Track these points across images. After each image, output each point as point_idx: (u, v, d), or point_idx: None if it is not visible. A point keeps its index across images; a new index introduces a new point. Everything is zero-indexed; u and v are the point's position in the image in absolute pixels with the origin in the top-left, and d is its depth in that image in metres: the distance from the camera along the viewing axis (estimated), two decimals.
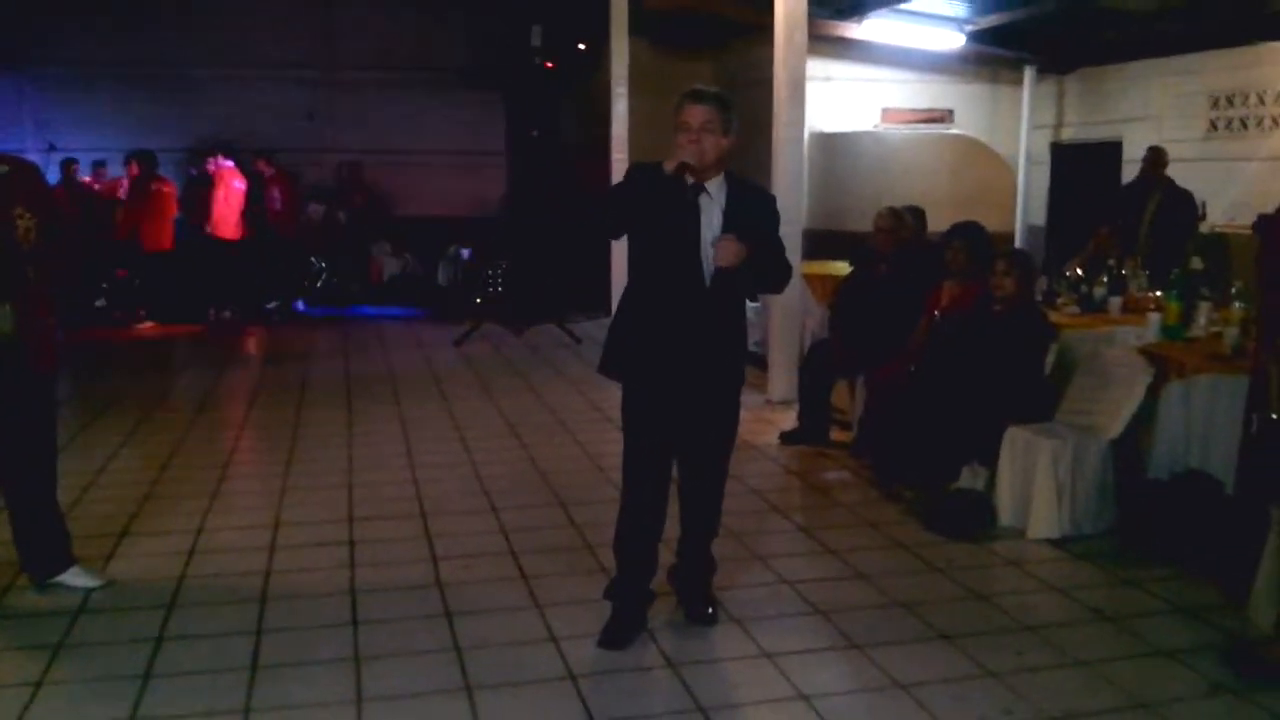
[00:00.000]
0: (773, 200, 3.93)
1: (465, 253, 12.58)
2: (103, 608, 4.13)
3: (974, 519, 4.96)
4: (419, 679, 3.55)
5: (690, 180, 3.61)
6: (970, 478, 5.19)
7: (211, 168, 11.75)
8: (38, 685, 3.51)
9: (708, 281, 3.67)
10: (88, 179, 12.07)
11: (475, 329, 10.66)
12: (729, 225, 3.66)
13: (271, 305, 12.22)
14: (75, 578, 4.30)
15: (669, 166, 3.57)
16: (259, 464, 6.24)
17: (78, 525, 4.47)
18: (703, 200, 3.68)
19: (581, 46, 12.68)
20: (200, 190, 11.82)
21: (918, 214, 6.75)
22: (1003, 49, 12.87)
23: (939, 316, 5.77)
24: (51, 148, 11.06)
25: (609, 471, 5.97)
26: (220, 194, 11.63)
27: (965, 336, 5.40)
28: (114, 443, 6.57)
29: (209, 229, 11.63)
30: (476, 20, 13.65)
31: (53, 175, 11.08)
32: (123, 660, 3.69)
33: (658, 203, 3.62)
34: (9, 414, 4.04)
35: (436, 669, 3.62)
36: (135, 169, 11.52)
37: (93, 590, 4.26)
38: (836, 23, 12.13)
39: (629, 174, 3.81)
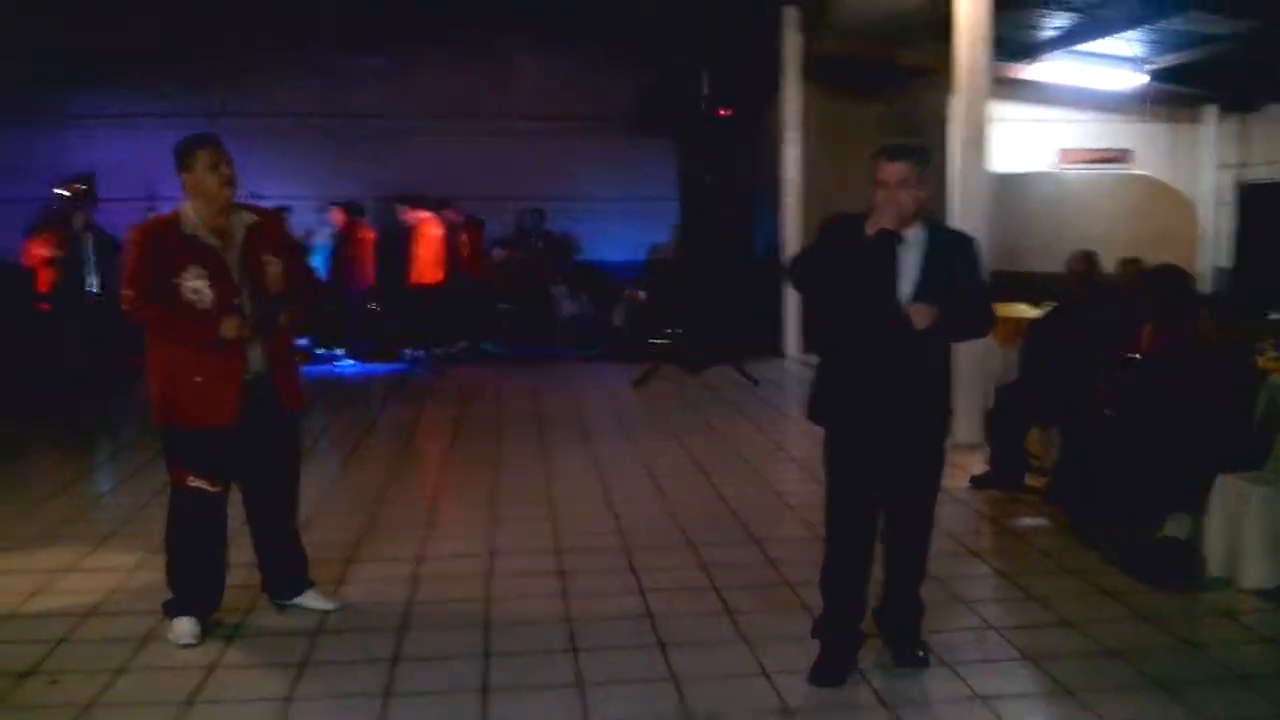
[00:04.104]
0: (972, 243, 4.01)
1: (641, 295, 12.88)
2: (339, 629, 4.42)
3: (1182, 568, 4.89)
4: (642, 706, 3.72)
5: (888, 229, 3.71)
6: (1175, 526, 5.12)
7: (410, 218, 12.35)
8: (288, 700, 3.78)
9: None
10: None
11: (654, 370, 10.90)
12: (927, 271, 3.77)
13: (460, 345, 12.74)
14: (313, 600, 4.60)
15: (870, 231, 3.69)
16: (467, 495, 6.55)
17: (308, 551, 4.72)
18: (900, 248, 3.78)
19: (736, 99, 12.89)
20: (403, 239, 12.44)
21: (1091, 258, 6.75)
22: (1183, 87, 12.59)
23: (1139, 360, 5.72)
24: (253, 196, 11.77)
25: (799, 510, 6.09)
26: (421, 243, 12.23)
27: (1168, 381, 5.35)
28: (331, 473, 7.00)
29: (412, 276, 12.22)
30: (650, 69, 14.04)
31: None
32: (363, 678, 3.94)
33: (855, 255, 3.75)
34: (260, 446, 4.35)
35: (657, 698, 3.78)
36: (342, 217, 12.30)
37: (329, 612, 4.55)
38: (1010, 64, 12.08)
39: (825, 229, 3.96)
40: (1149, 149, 13.20)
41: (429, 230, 12.37)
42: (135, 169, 12.09)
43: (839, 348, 3.95)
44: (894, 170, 3.72)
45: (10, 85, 13.18)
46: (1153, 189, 12.28)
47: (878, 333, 3.78)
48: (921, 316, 3.67)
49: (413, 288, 12.28)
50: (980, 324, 4.09)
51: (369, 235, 12.55)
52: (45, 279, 11.43)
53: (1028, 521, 5.95)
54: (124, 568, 5.09)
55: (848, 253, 3.75)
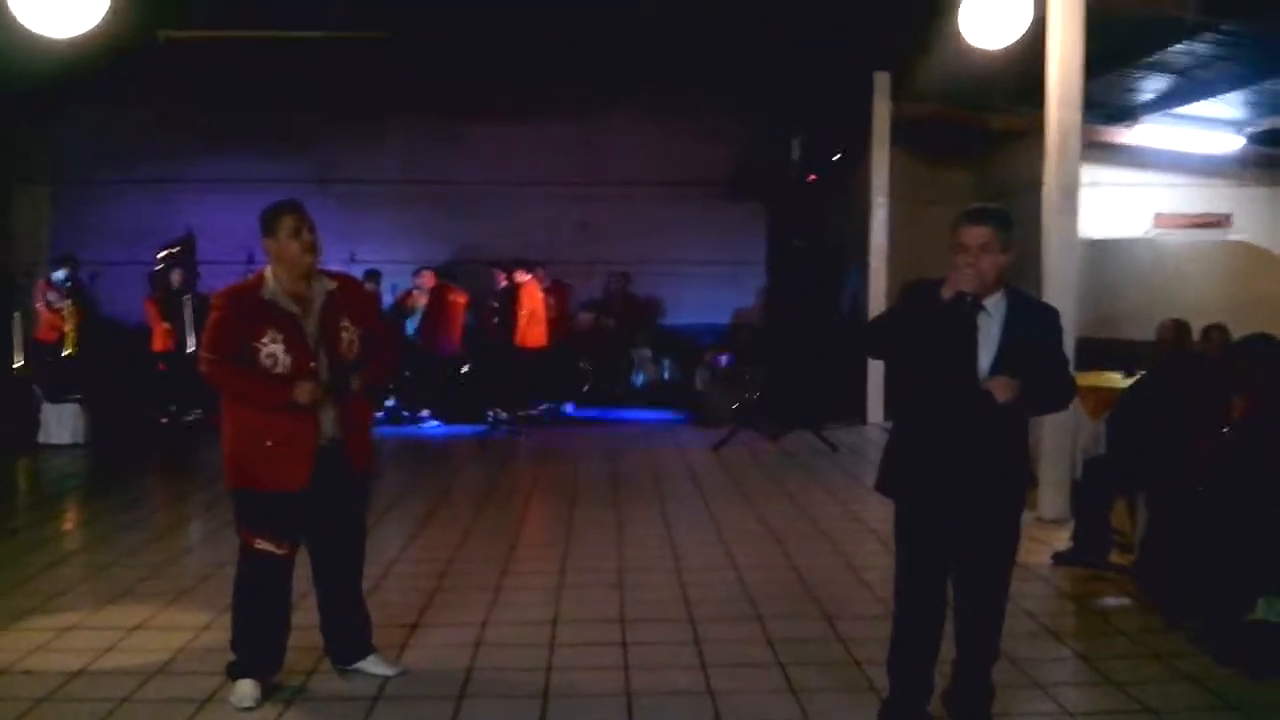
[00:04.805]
0: (1055, 315, 3.91)
1: (723, 359, 12.83)
2: (398, 695, 4.39)
3: (1273, 654, 4.63)
4: None
5: (968, 298, 3.63)
6: (1265, 608, 4.85)
7: (503, 280, 12.51)
8: None
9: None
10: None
11: (733, 434, 10.81)
12: (1008, 342, 3.68)
13: (542, 407, 12.80)
14: (373, 665, 4.59)
15: (946, 293, 3.61)
16: (537, 561, 6.53)
17: (374, 615, 4.74)
18: (981, 318, 3.69)
19: (836, 158, 12.87)
20: (503, 301, 12.57)
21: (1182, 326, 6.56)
22: None
23: (1230, 432, 5.48)
24: (352, 258, 12.12)
25: (872, 585, 5.92)
26: (526, 303, 12.35)
27: (1261, 454, 5.11)
28: (405, 536, 7.05)
29: (518, 339, 12.32)
30: (738, 134, 14.11)
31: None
32: None
33: (934, 323, 3.66)
34: (328, 509, 4.38)
35: None
36: (431, 280, 12.53)
37: (389, 678, 4.53)
38: (1105, 128, 11.87)
39: (904, 294, 3.88)
40: (1248, 214, 12.80)
41: (534, 291, 12.48)
42: (239, 232, 12.49)
43: (913, 416, 3.87)
44: (975, 234, 3.64)
45: (127, 153, 13.78)
46: (1253, 256, 11.86)
47: (954, 403, 3.69)
48: (1002, 390, 3.58)
49: (513, 349, 12.34)
50: (1059, 399, 3.99)
51: (460, 299, 12.74)
52: (160, 338, 11.88)
53: (1111, 601, 5.72)
54: (194, 627, 5.16)
55: (926, 320, 3.67)
